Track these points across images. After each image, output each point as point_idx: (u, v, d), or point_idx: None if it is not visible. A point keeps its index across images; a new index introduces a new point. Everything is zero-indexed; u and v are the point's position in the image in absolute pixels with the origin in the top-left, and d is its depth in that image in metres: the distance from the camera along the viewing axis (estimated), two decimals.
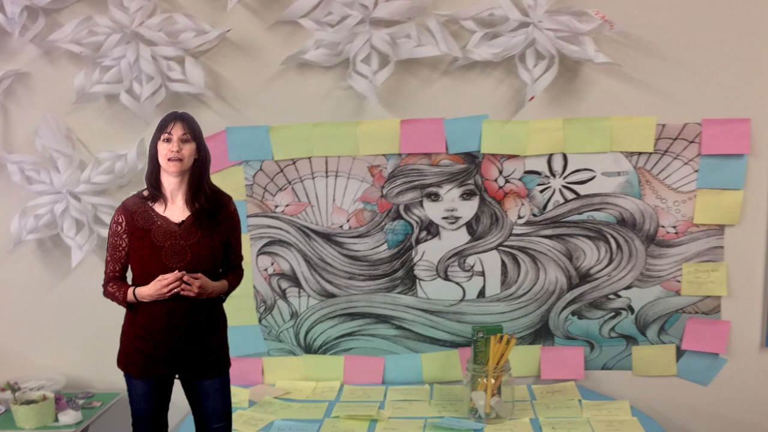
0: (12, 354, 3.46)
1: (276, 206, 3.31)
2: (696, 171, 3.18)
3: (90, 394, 3.35)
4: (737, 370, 3.28)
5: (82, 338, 3.44)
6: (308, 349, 3.42)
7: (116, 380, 3.43)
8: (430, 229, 3.31)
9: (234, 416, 2.68)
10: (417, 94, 3.22)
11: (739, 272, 3.22)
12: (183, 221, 2.42)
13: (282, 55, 3.15)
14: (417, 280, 3.34)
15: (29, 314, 3.44)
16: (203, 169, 2.45)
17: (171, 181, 2.42)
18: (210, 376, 2.51)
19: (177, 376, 2.53)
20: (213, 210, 2.45)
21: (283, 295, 3.38)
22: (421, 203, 3.29)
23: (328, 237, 3.33)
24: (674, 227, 3.23)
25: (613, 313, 3.31)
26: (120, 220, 2.45)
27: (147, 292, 2.39)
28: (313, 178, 3.30)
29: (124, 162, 3.23)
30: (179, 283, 2.36)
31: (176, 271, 2.37)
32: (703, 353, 3.29)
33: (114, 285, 2.48)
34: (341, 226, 3.32)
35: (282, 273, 3.36)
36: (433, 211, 3.29)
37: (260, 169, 3.29)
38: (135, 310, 2.45)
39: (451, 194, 3.28)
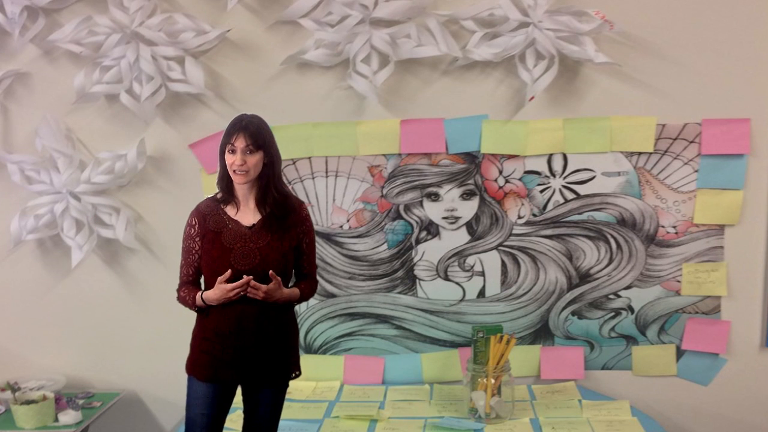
0: (12, 354, 3.46)
1: None
2: (696, 171, 3.18)
3: (90, 394, 3.35)
4: (737, 370, 3.28)
5: (82, 338, 3.44)
6: (308, 349, 3.42)
7: (116, 380, 3.47)
8: (430, 229, 3.31)
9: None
10: (417, 94, 3.22)
11: (739, 272, 3.22)
12: (254, 224, 2.41)
13: (282, 55, 3.15)
14: (417, 280, 3.34)
15: (29, 314, 3.44)
16: (272, 174, 2.42)
17: (241, 186, 2.42)
18: (271, 385, 2.49)
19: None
20: (282, 214, 2.43)
21: None
22: (421, 203, 3.29)
23: (328, 237, 3.33)
24: (674, 227, 3.23)
25: (613, 313, 3.31)
26: (193, 223, 2.44)
27: (213, 296, 2.37)
28: (313, 178, 3.30)
29: (124, 162, 3.23)
30: (245, 286, 2.33)
31: (245, 277, 2.34)
32: (703, 353, 3.29)
33: (185, 290, 2.46)
34: (341, 226, 3.32)
35: None
36: (433, 211, 3.29)
37: None
38: (206, 314, 2.43)
39: (451, 194, 3.28)
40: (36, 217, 3.24)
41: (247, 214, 2.43)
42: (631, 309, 3.29)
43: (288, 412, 3.07)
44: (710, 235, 3.22)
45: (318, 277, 3.33)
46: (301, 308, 3.38)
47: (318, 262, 3.32)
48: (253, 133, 2.37)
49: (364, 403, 3.14)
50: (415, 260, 3.33)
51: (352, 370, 3.40)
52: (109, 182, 3.23)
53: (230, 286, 2.33)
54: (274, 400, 2.52)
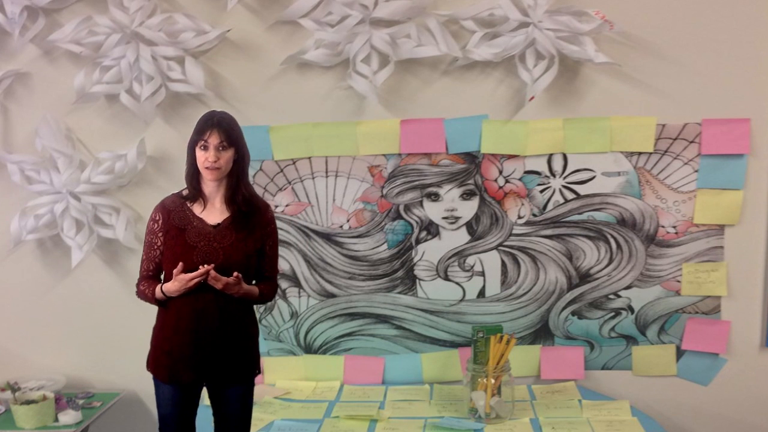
0: (12, 354, 3.46)
1: (276, 206, 3.31)
2: (696, 171, 3.18)
3: (90, 394, 3.35)
4: (737, 370, 3.29)
5: (82, 338, 3.44)
6: (308, 349, 3.42)
7: (116, 380, 3.47)
8: (430, 229, 3.31)
9: None
10: (417, 94, 3.22)
11: (739, 272, 3.22)
12: (219, 224, 2.41)
13: (282, 55, 3.15)
14: (417, 280, 3.34)
15: (29, 314, 3.44)
16: (241, 171, 2.43)
17: (209, 183, 2.42)
18: (235, 383, 2.49)
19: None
20: (249, 212, 2.43)
21: (283, 295, 3.38)
22: (421, 203, 3.29)
23: (328, 237, 3.33)
24: (674, 227, 3.23)
25: (613, 313, 3.31)
26: (157, 218, 2.44)
27: (172, 287, 2.36)
28: (313, 178, 3.30)
29: (124, 162, 3.23)
30: (205, 275, 2.32)
31: (205, 266, 2.32)
32: (703, 353, 3.29)
33: (145, 284, 2.47)
34: (341, 226, 3.32)
35: (282, 273, 3.35)
36: (433, 211, 3.29)
37: (260, 169, 3.29)
38: (166, 307, 2.43)
39: (451, 194, 3.28)
40: (36, 217, 3.24)
41: (213, 213, 2.43)
42: (631, 309, 3.29)
43: (288, 412, 3.08)
44: (710, 235, 3.21)
45: (318, 277, 3.35)
46: (301, 308, 3.38)
47: (318, 261, 3.33)
48: (226, 129, 2.38)
49: (364, 403, 3.14)
50: (415, 260, 3.33)
51: (352, 370, 3.40)
52: (109, 182, 3.23)
53: (189, 276, 2.33)
54: (243, 397, 2.52)
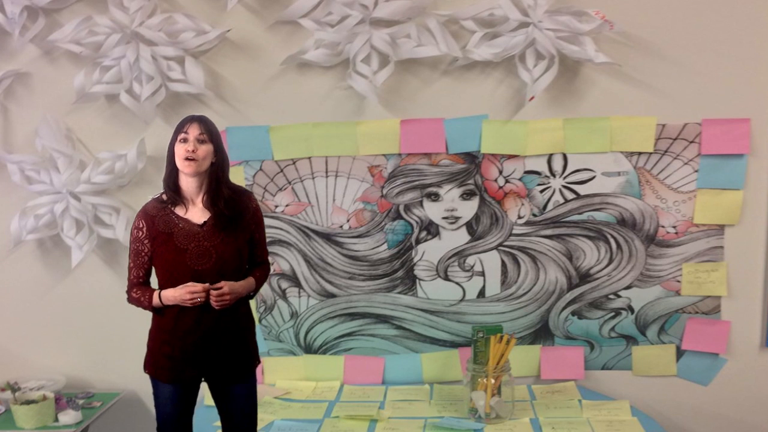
0: (12, 354, 3.46)
1: (276, 206, 3.32)
2: (696, 171, 3.18)
3: (90, 394, 3.35)
4: (737, 370, 3.29)
5: (82, 338, 3.44)
6: (308, 349, 3.42)
7: (116, 380, 3.47)
8: (430, 229, 3.31)
9: None
10: (417, 94, 3.22)
11: (739, 272, 3.22)
12: (205, 222, 2.40)
13: (282, 55, 3.15)
14: (417, 280, 3.34)
15: (29, 314, 3.44)
16: (221, 172, 2.42)
17: (189, 184, 2.40)
18: (238, 380, 2.49)
19: (204, 379, 2.51)
20: (233, 214, 2.42)
21: (283, 295, 3.38)
22: (421, 203, 3.29)
23: (328, 237, 3.33)
24: (674, 227, 3.23)
25: (613, 313, 3.31)
26: (141, 225, 2.42)
27: (172, 294, 2.37)
28: (313, 178, 3.30)
29: (124, 162, 3.23)
30: (204, 294, 2.34)
31: (206, 284, 2.35)
32: (703, 353, 3.29)
33: (138, 290, 2.45)
34: (341, 226, 3.32)
35: (282, 273, 3.36)
36: (433, 211, 3.29)
37: (260, 169, 3.29)
38: (162, 314, 2.43)
39: (451, 194, 3.28)
40: (36, 217, 3.24)
41: (195, 213, 2.42)
42: (631, 309, 3.29)
43: (288, 412, 3.08)
44: (710, 235, 3.21)
45: (318, 277, 3.35)
46: (301, 308, 3.38)
47: (318, 261, 3.34)
48: (207, 124, 2.42)
49: (364, 403, 3.14)
50: (415, 260, 3.33)
51: (352, 370, 3.40)
52: (109, 182, 3.23)
53: (194, 288, 2.33)
54: (249, 393, 2.52)
